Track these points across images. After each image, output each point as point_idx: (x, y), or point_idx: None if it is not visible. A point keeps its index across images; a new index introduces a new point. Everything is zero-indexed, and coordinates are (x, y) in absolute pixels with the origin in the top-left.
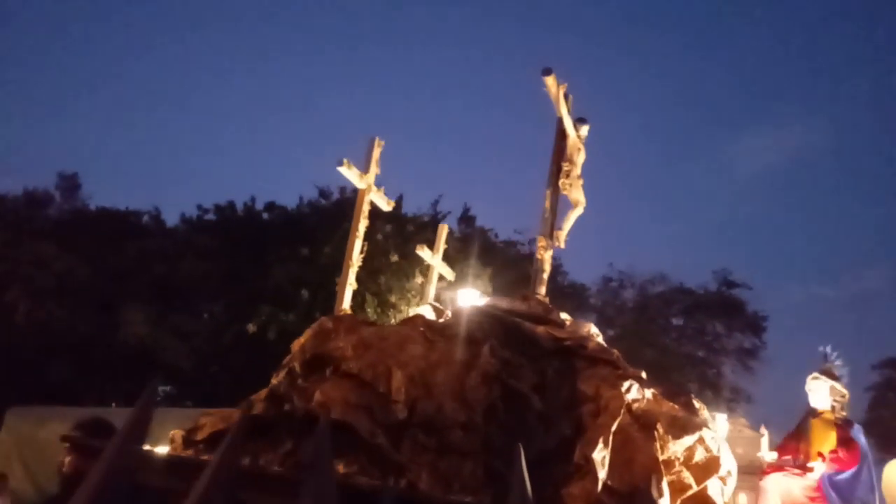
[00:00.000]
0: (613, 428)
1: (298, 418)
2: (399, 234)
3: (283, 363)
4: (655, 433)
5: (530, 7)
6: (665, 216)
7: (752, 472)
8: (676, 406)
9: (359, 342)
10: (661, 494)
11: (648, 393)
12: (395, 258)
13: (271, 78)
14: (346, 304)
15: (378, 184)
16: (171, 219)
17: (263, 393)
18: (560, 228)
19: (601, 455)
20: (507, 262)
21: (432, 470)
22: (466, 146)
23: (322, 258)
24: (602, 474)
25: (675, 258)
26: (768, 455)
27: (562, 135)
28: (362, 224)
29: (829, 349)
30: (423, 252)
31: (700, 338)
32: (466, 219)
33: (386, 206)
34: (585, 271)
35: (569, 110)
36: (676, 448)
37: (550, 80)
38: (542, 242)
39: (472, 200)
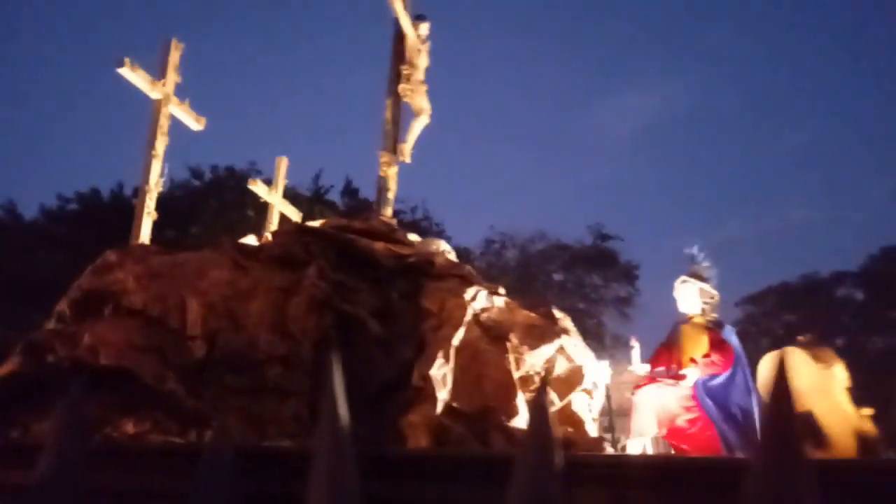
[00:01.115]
0: (456, 341)
1: (66, 371)
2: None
3: (55, 309)
4: (508, 345)
5: None
6: (544, 175)
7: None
8: (533, 315)
9: (145, 272)
10: (515, 413)
11: (500, 301)
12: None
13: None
14: (145, 236)
15: (182, 96)
16: (30, 212)
17: (19, 345)
18: (404, 141)
19: (441, 372)
20: None
21: (244, 415)
22: (354, 119)
23: (188, 239)
24: (443, 394)
25: (554, 216)
26: (640, 368)
27: (399, 36)
28: (160, 142)
29: (695, 250)
30: (258, 187)
31: (580, 290)
32: (350, 192)
33: (195, 123)
34: (467, 235)
35: (405, 6)
36: (535, 360)
37: None
38: (384, 158)
39: (356, 175)
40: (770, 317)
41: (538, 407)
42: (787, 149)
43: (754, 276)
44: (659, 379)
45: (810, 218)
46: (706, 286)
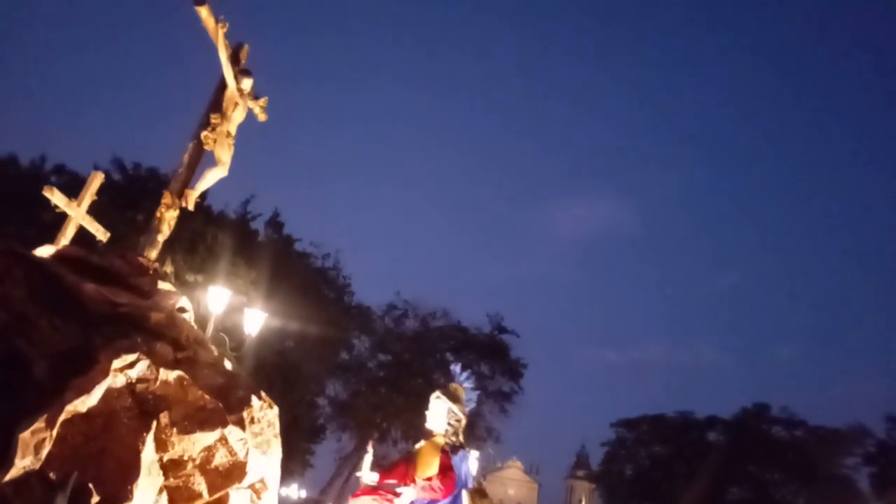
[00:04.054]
0: (85, 407)
1: None
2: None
3: None
4: (155, 424)
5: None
6: (472, 256)
7: None
8: (208, 397)
9: None
10: (125, 498)
11: (172, 375)
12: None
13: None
14: None
15: None
16: None
17: None
18: (193, 188)
19: (37, 438)
20: (297, 271)
21: None
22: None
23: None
24: (26, 461)
25: (467, 297)
26: (368, 476)
27: (223, 85)
28: None
29: (458, 368)
30: (54, 195)
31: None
32: (274, 224)
33: None
34: (374, 294)
35: (232, 55)
36: (189, 447)
37: (205, 12)
38: (167, 199)
39: (284, 208)
40: (640, 444)
41: None
42: (715, 289)
43: (652, 400)
44: (380, 492)
45: (718, 360)
46: (455, 407)
